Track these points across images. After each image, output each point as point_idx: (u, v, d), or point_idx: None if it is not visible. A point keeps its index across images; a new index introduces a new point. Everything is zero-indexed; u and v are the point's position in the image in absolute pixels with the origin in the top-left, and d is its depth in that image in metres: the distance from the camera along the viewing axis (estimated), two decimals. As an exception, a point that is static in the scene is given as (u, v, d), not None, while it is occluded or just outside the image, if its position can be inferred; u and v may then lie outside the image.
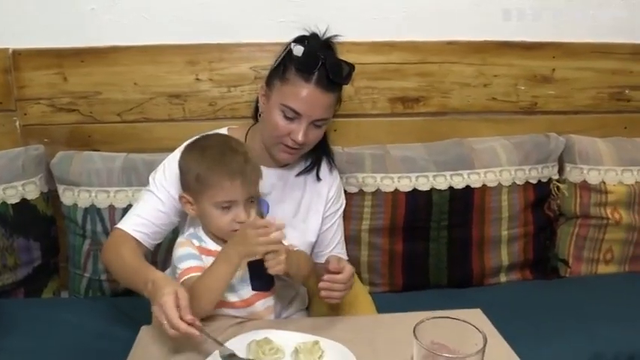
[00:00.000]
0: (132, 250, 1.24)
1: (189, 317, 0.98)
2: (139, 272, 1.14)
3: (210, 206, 1.15)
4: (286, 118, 1.26)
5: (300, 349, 1.06)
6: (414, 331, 0.80)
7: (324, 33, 1.32)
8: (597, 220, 1.92)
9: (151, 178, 1.35)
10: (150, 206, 1.31)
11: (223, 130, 1.42)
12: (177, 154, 1.32)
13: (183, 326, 0.98)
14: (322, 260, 1.42)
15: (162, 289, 1.01)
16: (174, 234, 1.38)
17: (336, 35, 1.31)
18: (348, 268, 1.18)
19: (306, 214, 1.44)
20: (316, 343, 1.07)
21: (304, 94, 1.23)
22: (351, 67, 1.29)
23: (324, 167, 1.47)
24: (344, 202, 1.53)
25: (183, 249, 1.18)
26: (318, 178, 1.45)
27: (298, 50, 1.24)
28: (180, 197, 1.22)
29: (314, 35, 1.31)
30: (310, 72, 1.23)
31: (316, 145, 1.37)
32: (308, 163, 1.44)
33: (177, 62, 1.81)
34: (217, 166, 1.14)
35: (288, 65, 1.26)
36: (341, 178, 1.77)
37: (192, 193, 1.18)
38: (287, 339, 1.09)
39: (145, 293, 1.09)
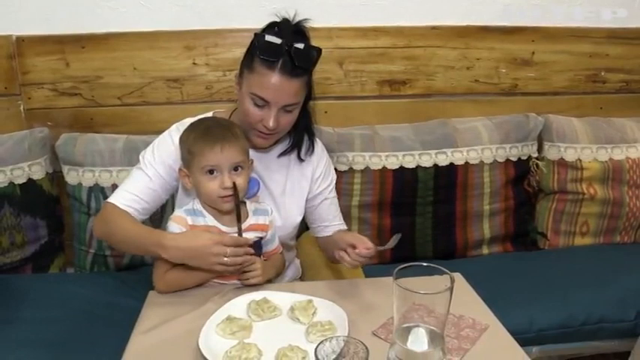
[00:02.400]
0: (131, 220, 1.30)
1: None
2: (146, 237, 1.23)
3: (199, 173, 1.23)
4: (256, 105, 1.28)
5: (295, 306, 1.15)
6: (393, 275, 0.89)
7: (294, 18, 1.30)
8: (574, 195, 2.02)
9: (140, 157, 1.40)
10: (139, 183, 1.36)
11: (210, 114, 1.46)
12: (166, 134, 1.41)
13: (243, 240, 1.19)
14: (325, 234, 1.51)
15: (194, 233, 1.20)
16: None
17: (306, 19, 1.30)
18: (366, 239, 1.23)
19: (291, 196, 1.47)
20: (310, 301, 1.17)
21: (270, 82, 1.24)
22: (317, 51, 1.28)
23: (306, 148, 1.48)
24: (334, 176, 1.55)
25: (173, 225, 1.26)
26: (300, 159, 1.46)
27: (261, 39, 1.24)
28: (180, 170, 1.30)
29: (285, 21, 1.29)
30: (273, 60, 1.23)
31: (296, 126, 1.39)
32: (287, 145, 1.45)
33: (174, 48, 1.89)
34: (202, 137, 1.22)
35: (253, 54, 1.27)
36: (332, 157, 1.85)
37: (187, 166, 1.27)
38: (283, 299, 1.19)
39: (159, 252, 1.19)
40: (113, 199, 1.35)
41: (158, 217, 1.76)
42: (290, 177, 1.47)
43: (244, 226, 1.28)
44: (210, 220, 1.27)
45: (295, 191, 1.48)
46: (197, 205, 1.29)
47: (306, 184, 1.48)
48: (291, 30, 1.27)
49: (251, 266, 1.26)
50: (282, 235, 1.45)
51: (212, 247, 1.17)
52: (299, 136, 1.45)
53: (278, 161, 1.46)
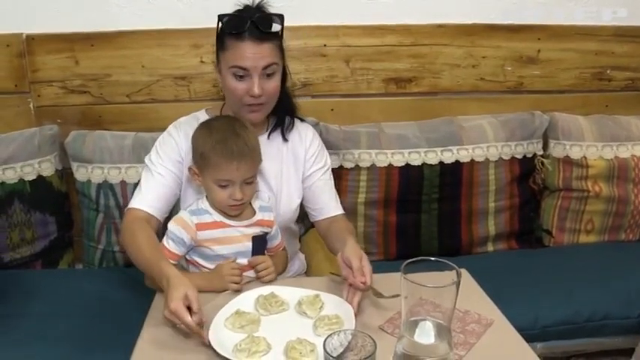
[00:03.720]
0: (147, 237, 1.28)
1: (195, 319, 1.03)
2: (154, 265, 1.19)
3: (211, 182, 1.27)
4: (238, 78, 1.33)
5: (303, 301, 1.17)
6: (401, 269, 0.90)
7: (255, 4, 1.39)
8: (579, 192, 2.02)
9: (147, 160, 1.44)
10: (153, 183, 1.39)
11: (202, 112, 1.51)
12: (165, 135, 1.45)
13: (195, 329, 1.03)
14: (320, 217, 1.51)
15: (173, 293, 1.06)
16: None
17: (261, 0, 1.38)
18: (368, 269, 1.18)
19: (288, 178, 1.50)
20: (317, 296, 1.18)
21: (243, 50, 1.30)
22: (279, 16, 1.36)
23: (294, 128, 1.52)
24: (328, 162, 1.56)
25: (174, 226, 1.28)
26: (285, 139, 1.50)
27: (225, 17, 1.34)
28: (189, 168, 1.33)
29: (246, 6, 1.37)
30: (240, 31, 1.30)
31: (277, 107, 1.44)
32: (272, 125, 1.50)
33: (182, 46, 1.90)
34: (219, 147, 1.24)
35: (222, 35, 1.35)
36: (338, 154, 1.88)
37: (198, 167, 1.29)
38: (290, 293, 1.21)
39: (161, 286, 1.16)
40: (132, 203, 1.37)
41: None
42: (285, 161, 1.50)
43: (252, 221, 1.31)
44: (217, 216, 1.30)
45: (291, 174, 1.51)
46: (202, 204, 1.32)
47: (300, 165, 1.51)
48: (250, 8, 1.36)
49: (262, 265, 1.29)
50: (284, 219, 1.48)
51: (173, 303, 1.07)
52: (281, 114, 1.50)
53: (270, 146, 1.47)
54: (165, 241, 1.29)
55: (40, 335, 1.43)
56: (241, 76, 1.33)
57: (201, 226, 1.28)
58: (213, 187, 1.27)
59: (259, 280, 1.30)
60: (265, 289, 1.22)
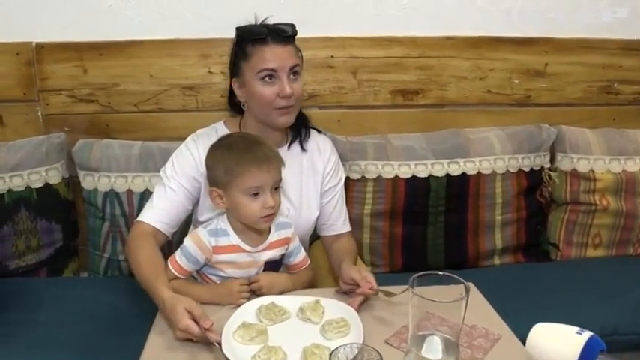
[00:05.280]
0: (148, 254, 1.29)
1: (207, 323, 1.06)
2: (150, 285, 1.21)
3: (240, 194, 1.23)
4: (267, 82, 1.36)
5: (304, 307, 1.18)
6: (410, 283, 0.90)
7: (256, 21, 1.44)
8: (586, 206, 2.01)
9: (162, 173, 1.45)
10: (165, 197, 1.40)
11: (220, 124, 1.52)
12: (182, 147, 1.45)
13: (212, 337, 1.06)
14: (328, 233, 1.54)
15: (176, 314, 1.09)
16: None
17: (266, 17, 1.43)
18: (370, 276, 1.23)
19: (308, 193, 1.52)
20: (317, 301, 1.19)
21: (270, 52, 1.35)
22: (292, 25, 1.40)
23: (311, 139, 1.54)
24: (343, 176, 1.59)
25: (191, 245, 1.27)
26: (303, 149, 1.52)
27: (244, 28, 1.39)
28: (211, 192, 1.29)
29: (250, 24, 1.42)
30: (263, 36, 1.35)
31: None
32: (291, 136, 1.52)
33: (190, 56, 1.91)
34: (245, 156, 1.23)
35: (243, 45, 1.38)
36: (344, 165, 1.87)
37: (222, 186, 1.26)
38: (290, 301, 1.22)
39: (158, 306, 1.19)
40: (142, 217, 1.38)
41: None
42: (304, 172, 1.52)
43: (265, 244, 1.31)
44: (234, 239, 1.29)
45: (310, 186, 1.52)
46: (221, 224, 1.30)
47: (318, 178, 1.52)
48: (261, 21, 1.42)
49: (254, 285, 1.28)
50: (302, 231, 1.48)
51: (181, 323, 1.09)
52: (297, 127, 1.52)
53: (291, 157, 1.47)
54: (178, 255, 1.28)
55: (44, 343, 1.43)
56: (270, 79, 1.36)
57: (218, 249, 1.28)
58: (243, 201, 1.23)
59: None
60: (265, 299, 1.22)
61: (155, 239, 1.34)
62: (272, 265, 1.34)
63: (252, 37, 1.36)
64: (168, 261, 1.29)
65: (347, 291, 1.27)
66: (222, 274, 1.30)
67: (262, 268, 1.32)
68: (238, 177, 1.22)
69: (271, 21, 1.42)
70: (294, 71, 1.38)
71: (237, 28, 1.40)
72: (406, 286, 0.92)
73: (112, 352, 1.40)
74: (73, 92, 1.91)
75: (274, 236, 1.32)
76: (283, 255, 1.36)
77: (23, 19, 1.85)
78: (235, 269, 1.30)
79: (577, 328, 0.98)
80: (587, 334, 0.96)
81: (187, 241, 1.28)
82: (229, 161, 1.23)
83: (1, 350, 1.40)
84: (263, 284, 1.27)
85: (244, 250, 1.29)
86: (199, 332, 1.06)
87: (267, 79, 1.36)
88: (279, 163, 1.27)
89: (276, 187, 1.27)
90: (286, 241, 1.35)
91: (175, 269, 1.27)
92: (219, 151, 1.28)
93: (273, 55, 1.35)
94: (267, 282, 1.28)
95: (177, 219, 1.41)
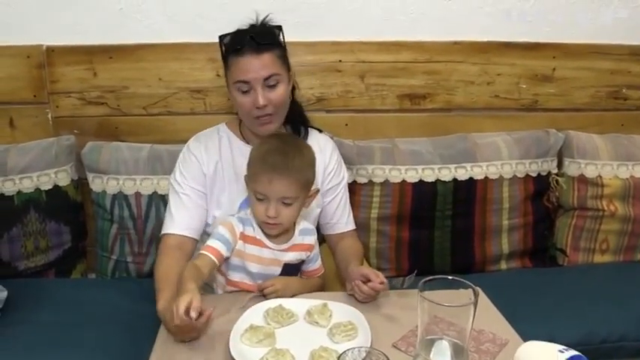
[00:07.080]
0: (163, 270, 1.31)
1: (193, 314, 1.02)
2: (158, 296, 1.25)
3: (251, 192, 1.28)
4: (243, 93, 1.36)
5: (312, 310, 1.18)
6: (419, 287, 0.90)
7: (258, 21, 1.43)
8: (594, 211, 2.00)
9: (172, 181, 1.47)
10: (182, 204, 1.42)
11: (222, 125, 1.53)
12: (185, 151, 1.48)
13: (203, 321, 1.04)
14: (332, 232, 1.55)
15: (166, 323, 1.13)
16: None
17: (267, 15, 1.42)
18: (380, 274, 1.25)
19: None
20: (325, 305, 1.20)
21: (243, 64, 1.34)
22: (278, 27, 1.40)
23: (312, 138, 1.53)
24: (346, 175, 1.60)
25: (220, 228, 1.28)
26: None
27: (225, 37, 1.39)
28: (245, 176, 1.32)
29: (250, 25, 1.41)
30: (239, 47, 1.34)
31: (290, 118, 1.48)
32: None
33: (199, 59, 1.92)
34: (263, 160, 1.25)
35: (225, 55, 1.39)
36: (351, 169, 1.88)
37: (247, 175, 1.30)
38: (298, 304, 1.22)
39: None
40: (165, 229, 1.41)
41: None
42: None
43: (288, 245, 1.32)
44: (258, 232, 1.30)
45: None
46: (250, 215, 1.32)
47: (319, 177, 1.51)
48: (254, 25, 1.40)
49: (269, 289, 1.27)
50: None
51: (170, 324, 1.11)
52: (295, 125, 1.53)
53: None
54: (210, 240, 1.27)
55: (51, 343, 1.44)
56: (245, 91, 1.36)
57: (242, 237, 1.29)
58: (252, 198, 1.28)
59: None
60: (272, 302, 1.23)
61: (181, 250, 1.36)
62: (290, 269, 1.35)
63: (229, 48, 1.37)
64: (202, 249, 1.27)
65: (352, 293, 1.28)
66: (239, 263, 1.30)
67: (281, 269, 1.33)
68: (250, 176, 1.27)
69: (274, 22, 1.42)
70: (271, 83, 1.36)
71: (220, 37, 1.40)
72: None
73: (121, 354, 1.40)
74: (82, 95, 1.92)
75: (298, 239, 1.34)
76: (303, 261, 1.37)
77: (34, 22, 1.86)
78: (259, 265, 1.31)
79: (560, 347, 0.97)
80: (570, 352, 0.94)
81: (220, 228, 1.28)
82: (253, 157, 1.27)
83: (10, 350, 1.41)
84: (279, 287, 1.27)
85: (267, 247, 1.30)
86: (189, 321, 1.02)
87: (242, 90, 1.36)
88: (294, 179, 1.24)
89: (287, 203, 1.25)
90: (309, 248, 1.37)
91: (210, 253, 1.24)
92: (261, 142, 1.31)
93: (246, 66, 1.34)
94: (282, 285, 1.29)
95: (200, 220, 1.43)
